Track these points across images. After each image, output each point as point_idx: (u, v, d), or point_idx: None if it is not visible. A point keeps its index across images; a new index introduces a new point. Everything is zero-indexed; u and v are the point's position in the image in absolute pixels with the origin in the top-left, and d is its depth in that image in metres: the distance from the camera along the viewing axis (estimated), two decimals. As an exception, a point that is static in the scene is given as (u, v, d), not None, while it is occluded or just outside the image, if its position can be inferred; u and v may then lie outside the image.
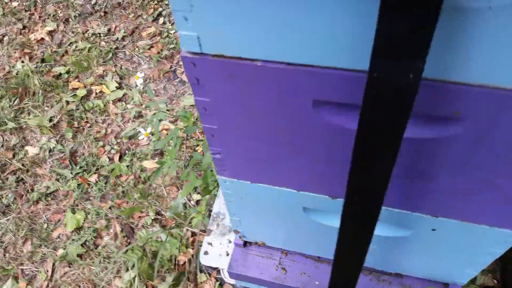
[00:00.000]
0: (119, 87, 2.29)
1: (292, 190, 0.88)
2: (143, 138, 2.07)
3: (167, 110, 2.18)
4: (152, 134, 2.06)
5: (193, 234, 1.69)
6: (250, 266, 1.19)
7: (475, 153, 0.64)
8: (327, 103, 0.63)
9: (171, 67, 2.35)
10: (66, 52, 2.47)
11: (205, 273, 1.60)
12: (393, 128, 0.50)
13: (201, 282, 1.58)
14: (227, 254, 1.39)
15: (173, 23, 2.43)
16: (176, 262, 1.65)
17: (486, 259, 0.93)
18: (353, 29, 0.50)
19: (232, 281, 1.54)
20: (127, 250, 1.72)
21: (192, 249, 1.67)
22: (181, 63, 2.21)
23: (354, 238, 0.72)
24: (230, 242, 1.44)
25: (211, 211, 1.54)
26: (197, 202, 1.81)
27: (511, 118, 0.56)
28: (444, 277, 1.07)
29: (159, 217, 1.82)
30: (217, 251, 1.43)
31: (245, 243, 1.22)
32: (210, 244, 1.45)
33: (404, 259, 1.05)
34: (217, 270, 1.59)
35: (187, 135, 1.98)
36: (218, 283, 1.57)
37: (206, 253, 1.45)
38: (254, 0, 0.51)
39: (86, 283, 1.68)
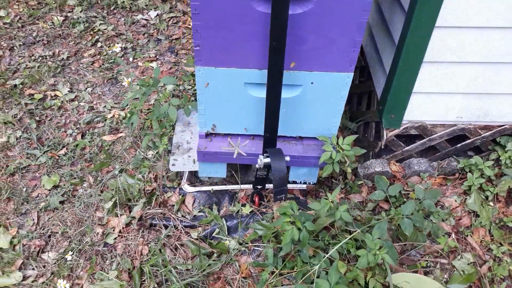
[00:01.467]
0: (71, 91, 2.83)
1: (238, 68, 1.61)
2: (101, 122, 2.61)
3: (115, 103, 2.77)
4: (105, 120, 2.62)
5: (155, 177, 2.26)
6: (211, 146, 1.85)
7: (320, 21, 1.47)
8: (255, -5, 1.41)
9: (112, 75, 2.96)
10: (17, 69, 2.94)
11: (169, 191, 2.17)
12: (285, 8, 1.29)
13: (168, 197, 2.15)
14: (191, 162, 2.02)
15: (109, 45, 3.09)
16: (145, 192, 2.19)
17: (341, 104, 1.75)
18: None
19: (191, 189, 2.15)
20: (102, 191, 2.21)
21: (156, 182, 2.24)
22: (121, 72, 2.86)
23: (274, 92, 1.48)
24: (189, 157, 2.08)
25: (171, 140, 2.17)
26: (153, 155, 2.39)
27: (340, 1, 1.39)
28: (325, 131, 1.85)
29: (127, 168, 2.35)
30: (181, 162, 2.06)
31: (206, 135, 1.88)
32: (175, 159, 2.07)
33: (301, 122, 1.81)
34: (179, 188, 2.17)
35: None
36: (180, 195, 2.15)
37: (173, 165, 2.06)
38: None
39: (72, 219, 2.12)
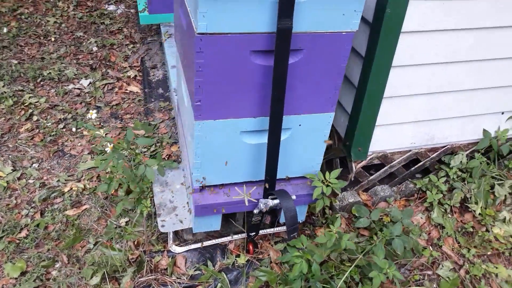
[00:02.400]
0: (14, 169, 2.60)
1: (235, 118, 1.70)
2: (59, 197, 2.44)
3: (69, 175, 2.61)
4: (63, 195, 2.46)
5: (136, 244, 2.16)
6: (207, 198, 1.87)
7: (308, 69, 1.65)
8: (256, 51, 1.54)
9: (57, 147, 2.81)
10: None
11: (156, 255, 2.09)
12: (285, 55, 1.46)
13: (158, 262, 2.06)
14: (178, 221, 2.00)
15: (46, 118, 2.95)
16: (129, 261, 2.08)
17: (323, 147, 1.92)
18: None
19: (180, 250, 2.09)
20: (80, 268, 2.05)
21: (137, 249, 2.14)
22: (66, 143, 2.76)
23: (275, 138, 1.61)
24: (176, 215, 2.06)
25: (152, 202, 2.12)
26: (126, 222, 2.29)
27: (324, 50, 1.59)
28: (310, 169, 1.99)
29: (100, 239, 2.21)
30: (170, 222, 2.02)
31: (201, 189, 1.89)
32: (163, 220, 2.03)
33: (289, 163, 1.93)
34: (167, 250, 2.10)
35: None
36: (170, 258, 2.08)
37: (163, 226, 2.02)
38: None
39: (52, 305, 1.91)
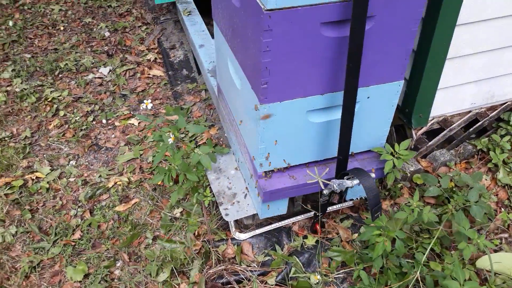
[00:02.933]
0: (52, 169, 2.50)
1: (301, 98, 1.58)
2: (105, 194, 2.35)
3: (109, 170, 2.51)
4: (108, 190, 2.37)
5: (197, 235, 2.08)
6: (274, 183, 1.77)
7: (378, 36, 1.51)
8: (327, 23, 1.41)
9: (91, 142, 2.69)
10: (-23, 159, 2.52)
11: (220, 245, 2.01)
12: (363, 23, 1.32)
13: (223, 251, 1.98)
14: (242, 209, 1.91)
15: (73, 112, 2.82)
16: (193, 253, 2.00)
17: (391, 113, 1.80)
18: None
19: (245, 236, 2.01)
20: (144, 267, 1.97)
21: (198, 240, 2.06)
22: (99, 136, 2.64)
23: (349, 113, 1.49)
24: (238, 202, 1.97)
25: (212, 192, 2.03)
26: (181, 213, 2.21)
27: (396, 14, 1.45)
28: (376, 142, 1.89)
29: (158, 233, 2.13)
30: (234, 209, 1.94)
31: (266, 173, 1.79)
32: (226, 209, 1.94)
33: (354, 139, 1.82)
34: (230, 238, 2.02)
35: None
36: (235, 245, 2.00)
37: (227, 215, 1.93)
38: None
39: (123, 307, 1.85)
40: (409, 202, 1.73)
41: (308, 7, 1.36)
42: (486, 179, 2.23)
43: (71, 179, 2.45)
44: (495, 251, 1.95)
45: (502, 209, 2.10)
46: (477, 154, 2.34)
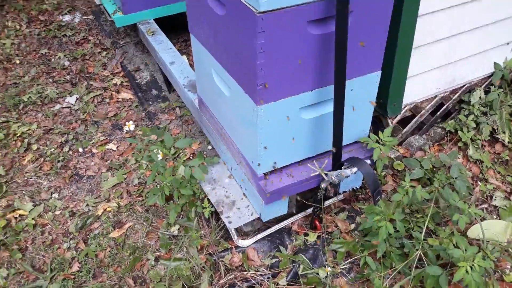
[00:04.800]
0: (35, 205, 2.41)
1: (293, 95, 1.66)
2: (96, 222, 2.30)
3: (95, 198, 2.46)
4: (98, 218, 2.32)
5: (199, 249, 2.08)
6: (274, 183, 1.82)
7: (358, 29, 1.62)
8: (313, 21, 1.50)
9: (72, 172, 2.63)
10: (-49, 206, 2.38)
11: (225, 254, 2.03)
12: (346, 18, 1.43)
13: (230, 260, 2.00)
14: (244, 214, 1.94)
15: (46, 144, 2.75)
16: (199, 267, 2.01)
17: (371, 108, 1.92)
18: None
19: (249, 242, 2.05)
20: None
21: (201, 253, 2.07)
22: (78, 165, 2.60)
23: (340, 105, 1.58)
24: (238, 209, 2.01)
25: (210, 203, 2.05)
26: (178, 230, 2.20)
27: (370, 10, 1.56)
28: (361, 133, 1.99)
29: (159, 254, 2.11)
30: (236, 216, 1.97)
31: (265, 175, 1.84)
32: (228, 217, 1.97)
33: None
34: (234, 247, 2.05)
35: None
36: (240, 253, 2.02)
37: (230, 222, 1.96)
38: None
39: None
40: (402, 184, 1.84)
41: (295, 7, 1.44)
42: (458, 157, 2.40)
43: (57, 212, 2.38)
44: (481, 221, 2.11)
45: (479, 182, 2.27)
46: (446, 136, 2.52)
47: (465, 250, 1.58)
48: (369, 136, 1.98)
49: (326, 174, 1.82)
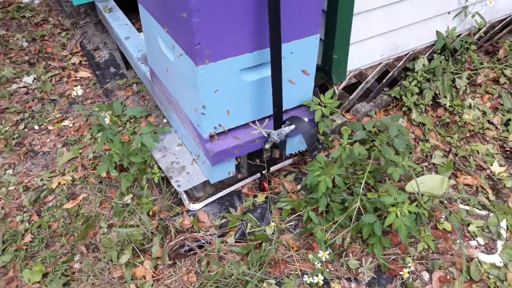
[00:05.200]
0: (-11, 180, 2.41)
1: (232, 57, 1.71)
2: (50, 195, 2.32)
3: (50, 172, 2.47)
4: (52, 191, 2.34)
5: (152, 215, 2.12)
6: (219, 145, 1.88)
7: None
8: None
9: (27, 149, 2.63)
10: None
11: (177, 218, 2.09)
12: None
13: (181, 223, 2.06)
14: (192, 178, 2.00)
15: (1, 123, 2.74)
16: (151, 231, 2.06)
17: (313, 66, 1.99)
18: None
19: (199, 206, 2.11)
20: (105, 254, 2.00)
21: (154, 219, 2.12)
22: (34, 142, 2.60)
23: (278, 66, 1.64)
24: (188, 173, 2.06)
25: (161, 169, 2.10)
26: (132, 199, 2.24)
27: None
28: (304, 97, 2.07)
29: (112, 222, 2.15)
30: (185, 180, 2.03)
31: (211, 138, 1.89)
32: (177, 181, 2.03)
33: (284, 96, 1.98)
34: (185, 211, 2.11)
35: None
36: (191, 216, 2.08)
37: (179, 186, 2.02)
38: None
39: (89, 292, 1.86)
40: (341, 143, 1.93)
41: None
42: (403, 121, 2.51)
43: (11, 188, 2.39)
44: (417, 177, 2.22)
45: (420, 143, 2.38)
46: (392, 102, 2.62)
47: (396, 198, 1.69)
48: (312, 100, 2.06)
49: (268, 134, 1.89)
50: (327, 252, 1.77)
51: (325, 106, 2.01)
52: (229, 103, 1.83)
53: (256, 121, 1.96)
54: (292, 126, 1.81)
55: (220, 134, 1.93)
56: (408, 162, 1.84)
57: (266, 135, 1.87)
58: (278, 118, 1.86)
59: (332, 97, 2.04)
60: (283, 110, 2.04)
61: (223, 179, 2.04)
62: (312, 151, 1.80)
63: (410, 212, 1.66)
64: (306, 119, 1.92)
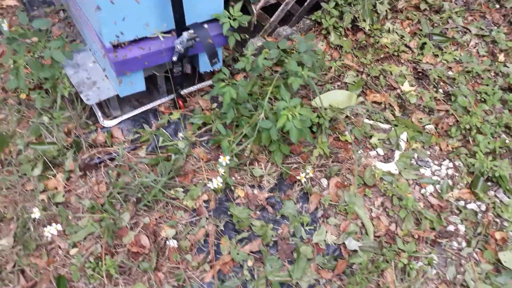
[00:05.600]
0: None
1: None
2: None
3: (-31, 96, 2.44)
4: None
5: (68, 132, 2.15)
6: (124, 54, 1.89)
7: None
8: None
9: None
10: None
11: (92, 134, 2.13)
12: None
13: (94, 139, 2.11)
14: (102, 92, 2.03)
15: None
16: (66, 147, 2.10)
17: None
18: None
19: (113, 123, 2.15)
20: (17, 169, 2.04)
21: (69, 137, 2.15)
22: None
23: None
24: (98, 88, 2.08)
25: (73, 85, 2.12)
26: (50, 118, 2.25)
27: None
28: (215, 10, 2.07)
29: (29, 140, 2.18)
30: (95, 94, 2.05)
31: (115, 49, 1.89)
32: (87, 95, 2.05)
33: (194, 8, 1.97)
34: (100, 128, 2.14)
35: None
36: (105, 132, 2.13)
37: (88, 99, 2.04)
38: None
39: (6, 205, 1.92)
40: (245, 55, 1.98)
41: None
42: (322, 45, 2.57)
43: None
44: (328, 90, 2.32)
45: (332, 61, 2.46)
46: (314, 26, 2.67)
47: (287, 101, 1.77)
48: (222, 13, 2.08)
49: (165, 37, 1.89)
50: (228, 157, 1.86)
51: (234, 19, 2.04)
52: (126, 9, 1.80)
53: (155, 28, 1.96)
54: (191, 31, 1.83)
55: (126, 46, 1.93)
56: (307, 71, 1.91)
57: (161, 39, 1.88)
58: (179, 25, 1.87)
59: (242, 11, 2.06)
60: (194, 23, 2.06)
61: (132, 93, 2.06)
62: (211, 58, 1.84)
63: (301, 115, 1.75)
64: (206, 26, 1.94)
